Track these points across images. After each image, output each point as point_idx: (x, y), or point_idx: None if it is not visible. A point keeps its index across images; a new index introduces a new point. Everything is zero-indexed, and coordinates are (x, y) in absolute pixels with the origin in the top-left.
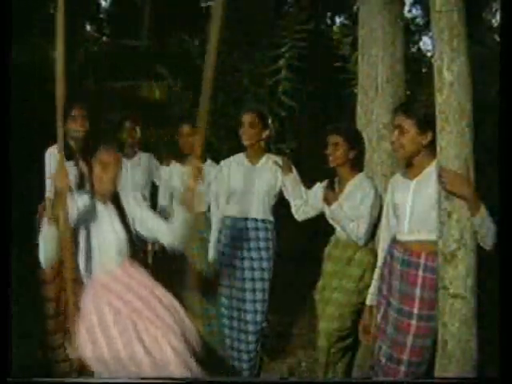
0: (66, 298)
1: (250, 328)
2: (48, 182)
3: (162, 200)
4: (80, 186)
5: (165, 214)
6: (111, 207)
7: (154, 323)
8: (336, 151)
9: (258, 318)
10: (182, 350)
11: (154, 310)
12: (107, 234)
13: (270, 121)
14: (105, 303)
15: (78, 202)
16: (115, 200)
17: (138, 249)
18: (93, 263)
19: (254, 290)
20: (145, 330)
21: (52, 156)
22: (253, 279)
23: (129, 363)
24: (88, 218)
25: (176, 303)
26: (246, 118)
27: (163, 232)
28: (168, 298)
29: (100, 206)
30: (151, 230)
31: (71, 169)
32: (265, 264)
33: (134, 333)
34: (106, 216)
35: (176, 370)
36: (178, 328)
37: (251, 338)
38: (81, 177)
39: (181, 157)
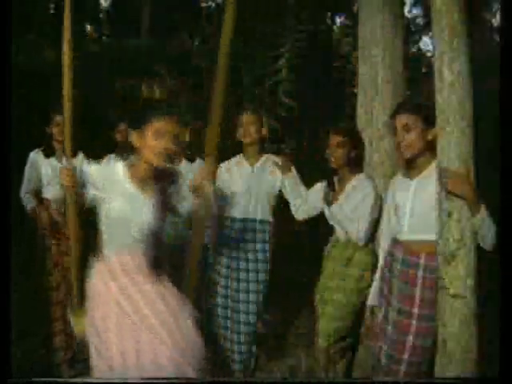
0: (66, 287)
1: (242, 329)
2: (25, 182)
3: None
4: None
5: None
6: (150, 191)
7: (155, 329)
8: (337, 151)
9: (251, 319)
10: (178, 361)
11: (158, 314)
12: (132, 217)
13: (265, 120)
14: (111, 294)
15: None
16: (159, 183)
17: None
18: (109, 242)
19: (247, 291)
20: (144, 333)
21: (32, 159)
22: (247, 280)
23: (120, 362)
24: (116, 195)
25: (185, 312)
26: (245, 117)
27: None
28: (177, 304)
29: (135, 189)
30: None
31: (54, 164)
32: (260, 266)
33: (132, 334)
34: (140, 198)
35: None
36: (180, 338)
37: (243, 338)
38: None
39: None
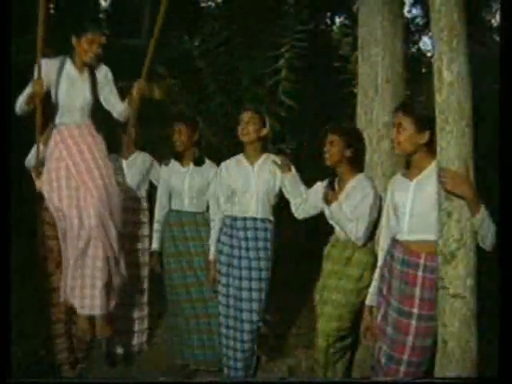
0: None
1: (246, 327)
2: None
3: (162, 199)
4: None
5: (164, 213)
6: (86, 75)
7: (90, 190)
8: (330, 149)
9: (254, 317)
10: (100, 211)
11: (91, 174)
12: (75, 94)
13: (267, 120)
14: (63, 158)
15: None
16: (91, 72)
17: None
18: (60, 114)
19: (250, 290)
20: (82, 193)
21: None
22: (250, 278)
23: (67, 210)
24: (63, 79)
25: (111, 176)
26: (245, 116)
27: (116, 110)
28: (107, 170)
29: (75, 74)
30: (109, 104)
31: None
32: (262, 264)
33: (75, 193)
34: (79, 80)
35: (96, 233)
36: (106, 198)
37: (246, 337)
38: None
39: (179, 156)
